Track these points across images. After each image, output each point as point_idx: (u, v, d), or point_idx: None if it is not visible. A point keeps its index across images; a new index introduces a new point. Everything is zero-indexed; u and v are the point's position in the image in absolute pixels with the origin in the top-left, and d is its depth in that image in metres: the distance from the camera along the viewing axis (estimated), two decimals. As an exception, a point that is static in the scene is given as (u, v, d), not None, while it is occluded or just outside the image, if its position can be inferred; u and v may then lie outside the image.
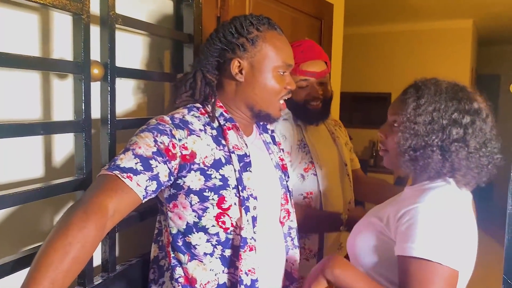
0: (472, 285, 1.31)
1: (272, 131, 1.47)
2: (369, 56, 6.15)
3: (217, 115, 1.26)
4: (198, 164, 1.16)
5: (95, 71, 1.26)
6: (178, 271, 1.20)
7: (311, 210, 1.81)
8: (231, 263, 1.20)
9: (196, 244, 1.19)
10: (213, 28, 1.36)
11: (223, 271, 1.20)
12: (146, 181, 1.07)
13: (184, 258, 1.20)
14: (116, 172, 1.04)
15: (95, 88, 1.30)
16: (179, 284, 1.20)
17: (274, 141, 1.44)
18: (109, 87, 1.32)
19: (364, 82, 5.96)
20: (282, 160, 1.41)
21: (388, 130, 1.30)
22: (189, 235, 1.19)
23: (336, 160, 1.97)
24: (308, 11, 2.63)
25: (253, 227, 1.21)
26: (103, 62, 1.31)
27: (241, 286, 1.17)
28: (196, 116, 1.24)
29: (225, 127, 1.24)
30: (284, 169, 1.40)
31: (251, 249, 1.19)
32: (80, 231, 0.92)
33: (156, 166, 1.08)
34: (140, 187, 1.05)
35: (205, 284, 1.19)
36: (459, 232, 1.11)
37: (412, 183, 1.30)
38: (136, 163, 1.06)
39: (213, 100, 1.27)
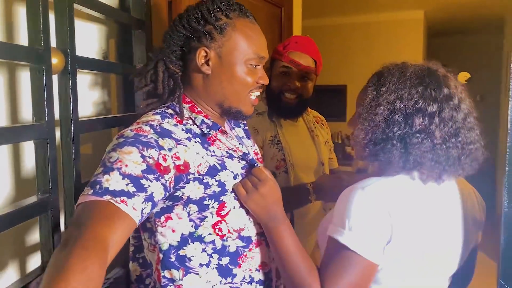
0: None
1: (245, 124, 1.37)
2: (324, 49, 6.07)
3: (198, 122, 1.13)
4: (193, 174, 1.04)
5: (54, 60, 1.01)
6: None
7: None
8: (228, 271, 1.13)
9: (191, 256, 1.09)
10: (164, 13, 1.21)
11: (220, 281, 1.12)
12: (142, 203, 0.92)
13: (178, 274, 1.09)
14: (108, 197, 0.87)
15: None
16: None
17: (248, 135, 1.35)
18: (70, 81, 1.07)
19: (320, 75, 5.86)
20: (256, 154, 1.33)
21: (355, 121, 1.18)
22: (184, 247, 1.09)
23: (313, 158, 1.93)
24: (267, -3, 2.52)
25: (256, 224, 1.17)
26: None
27: (254, 283, 1.15)
28: (173, 125, 1.09)
29: (210, 135, 1.13)
30: (260, 162, 1.32)
31: (257, 245, 1.17)
32: (83, 272, 0.75)
33: (149, 186, 0.94)
34: (136, 211, 0.91)
35: None
36: (373, 224, 1.03)
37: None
38: (127, 184, 0.90)
39: (177, 94, 1.14)
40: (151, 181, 0.94)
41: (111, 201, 0.87)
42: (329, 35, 5.95)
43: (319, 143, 1.96)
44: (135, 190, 0.91)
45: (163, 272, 1.10)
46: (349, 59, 5.96)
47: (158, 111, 1.12)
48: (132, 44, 1.48)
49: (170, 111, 1.14)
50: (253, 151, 1.32)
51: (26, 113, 1.07)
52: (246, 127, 1.36)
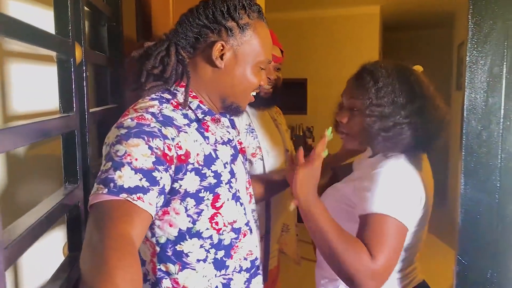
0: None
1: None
2: (284, 43, 6.15)
3: (193, 107, 1.12)
4: (193, 164, 1.03)
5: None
6: (165, 283, 1.09)
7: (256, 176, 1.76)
8: (223, 264, 1.13)
9: (189, 252, 1.08)
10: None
11: (215, 275, 1.12)
12: (156, 197, 0.93)
13: (174, 268, 1.09)
14: (124, 196, 0.87)
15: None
16: None
17: (233, 125, 1.37)
18: (84, 73, 1.06)
19: (281, 69, 5.92)
20: (240, 143, 1.34)
21: (348, 114, 1.34)
22: (181, 243, 1.07)
23: (280, 145, 1.99)
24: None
25: (245, 214, 1.19)
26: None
27: (242, 272, 1.16)
28: (172, 110, 1.07)
29: (204, 121, 1.13)
30: (242, 152, 1.33)
31: (244, 235, 1.18)
32: (126, 272, 0.77)
33: (161, 178, 0.94)
34: (152, 206, 0.91)
35: None
36: (412, 196, 1.21)
37: (371, 155, 1.39)
38: (140, 179, 0.90)
39: (186, 81, 1.12)
40: (162, 173, 0.94)
41: (128, 199, 0.87)
42: (289, 29, 6.01)
43: (283, 131, 2.04)
44: (148, 184, 0.91)
45: (159, 265, 1.09)
46: (308, 53, 6.04)
47: (154, 96, 1.10)
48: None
49: (166, 95, 1.12)
50: (238, 141, 1.33)
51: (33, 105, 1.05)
52: (232, 118, 1.36)
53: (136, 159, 0.90)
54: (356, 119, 1.30)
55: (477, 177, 1.03)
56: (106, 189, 0.87)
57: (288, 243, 2.09)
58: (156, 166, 0.93)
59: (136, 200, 0.87)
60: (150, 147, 0.93)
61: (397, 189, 1.19)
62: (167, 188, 0.97)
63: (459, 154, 1.09)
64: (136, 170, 0.89)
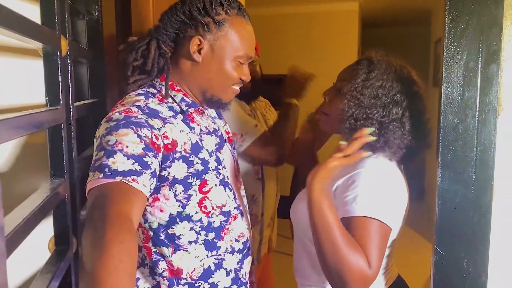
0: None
1: None
2: (263, 39, 6.15)
3: (177, 100, 1.19)
4: (180, 152, 1.10)
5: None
6: (162, 265, 1.15)
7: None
8: (214, 245, 1.19)
9: (180, 234, 1.14)
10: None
11: (207, 255, 1.18)
12: (149, 180, 0.99)
13: (168, 251, 1.15)
14: (120, 178, 0.93)
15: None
16: (164, 278, 1.15)
17: (220, 116, 1.42)
18: (69, 66, 1.06)
19: (257, 63, 5.91)
20: (228, 133, 1.40)
21: (333, 93, 1.34)
22: (173, 227, 1.14)
23: None
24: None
25: (235, 199, 1.24)
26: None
27: (235, 253, 1.22)
28: (157, 104, 1.15)
29: (189, 113, 1.19)
30: (230, 141, 1.40)
31: (235, 218, 1.23)
32: (122, 245, 0.82)
33: (151, 162, 1.01)
34: (146, 187, 0.98)
35: (191, 272, 1.16)
36: (395, 195, 1.20)
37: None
38: (132, 164, 0.96)
39: (166, 74, 1.18)
40: (151, 158, 1.00)
41: (124, 180, 0.93)
42: (267, 25, 6.01)
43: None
44: (141, 168, 0.97)
45: (154, 248, 1.15)
46: (287, 49, 6.06)
47: (140, 91, 1.16)
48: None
49: (151, 90, 1.18)
50: (225, 130, 1.37)
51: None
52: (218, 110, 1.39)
53: (127, 146, 0.97)
54: (337, 100, 1.29)
55: (454, 169, 1.07)
56: (102, 174, 0.93)
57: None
58: (146, 152, 0.99)
59: (131, 182, 0.93)
60: (139, 136, 0.99)
61: (379, 189, 1.16)
62: (157, 172, 1.03)
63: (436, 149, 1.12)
64: (128, 156, 0.96)
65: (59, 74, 0.94)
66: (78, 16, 1.43)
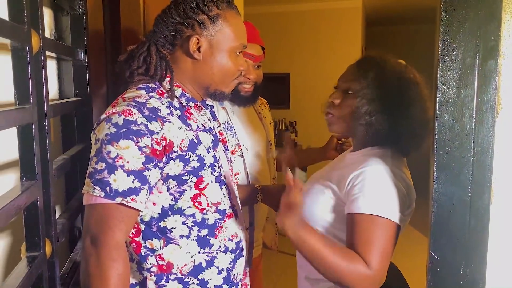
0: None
1: (212, 106, 1.44)
2: (267, 37, 6.11)
3: (177, 94, 1.22)
4: (176, 151, 1.12)
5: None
6: (150, 260, 1.17)
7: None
8: (206, 242, 1.21)
9: (172, 228, 1.17)
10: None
11: (199, 252, 1.20)
12: (146, 195, 1.08)
13: (159, 243, 1.17)
14: (119, 199, 1.02)
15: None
16: (152, 273, 1.17)
17: (214, 117, 1.42)
18: (42, 63, 1.01)
19: (263, 63, 5.88)
20: (221, 134, 1.41)
21: (341, 95, 1.37)
22: (165, 219, 1.17)
23: (263, 139, 2.03)
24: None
25: (230, 198, 1.28)
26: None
27: (228, 252, 1.24)
28: (157, 98, 1.17)
29: (188, 107, 1.22)
30: (224, 142, 1.41)
31: (229, 217, 1.26)
32: (118, 271, 1.02)
33: (149, 175, 1.07)
34: (142, 203, 1.08)
35: (182, 267, 1.19)
36: (400, 192, 1.22)
37: (353, 149, 1.43)
38: (132, 181, 1.04)
39: (170, 76, 1.21)
40: (151, 169, 1.07)
41: (123, 202, 1.02)
42: (271, 23, 5.99)
43: (266, 124, 2.08)
44: (140, 184, 1.04)
45: (144, 242, 1.17)
46: (291, 47, 6.02)
47: (141, 86, 1.19)
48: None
49: (152, 85, 1.21)
50: (219, 132, 1.38)
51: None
52: (213, 109, 1.42)
53: (128, 162, 1.03)
54: (348, 101, 1.33)
55: (450, 171, 1.02)
56: (103, 193, 1.01)
57: (267, 231, 2.13)
58: (146, 166, 1.05)
59: (130, 202, 1.03)
60: (140, 148, 1.04)
61: (384, 187, 1.20)
62: (154, 180, 1.09)
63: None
64: (129, 173, 1.03)
65: (29, 71, 0.89)
66: (62, 12, 1.38)
